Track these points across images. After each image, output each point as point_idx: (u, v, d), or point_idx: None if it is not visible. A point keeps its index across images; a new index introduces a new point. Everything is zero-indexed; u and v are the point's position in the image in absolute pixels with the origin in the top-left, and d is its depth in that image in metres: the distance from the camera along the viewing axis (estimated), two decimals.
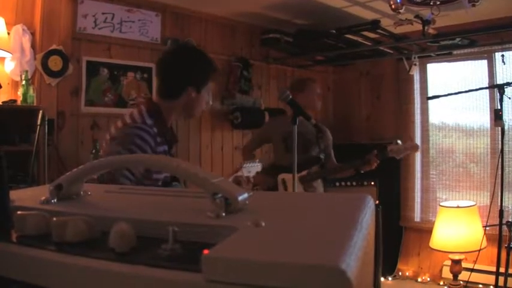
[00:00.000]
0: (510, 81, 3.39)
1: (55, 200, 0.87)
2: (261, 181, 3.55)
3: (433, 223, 4.54)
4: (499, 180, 3.33)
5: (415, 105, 5.34)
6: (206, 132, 4.60)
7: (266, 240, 0.59)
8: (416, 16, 3.84)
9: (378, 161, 3.35)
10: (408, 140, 3.51)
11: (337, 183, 4.58)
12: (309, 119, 2.80)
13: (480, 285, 4.40)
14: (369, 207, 0.80)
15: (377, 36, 4.61)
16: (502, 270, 3.38)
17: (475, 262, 3.91)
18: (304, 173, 3.60)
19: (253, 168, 3.49)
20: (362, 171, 3.44)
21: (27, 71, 3.25)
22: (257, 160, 3.74)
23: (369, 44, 4.71)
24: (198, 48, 2.25)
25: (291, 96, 2.79)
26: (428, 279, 4.94)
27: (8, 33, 3.24)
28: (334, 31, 4.56)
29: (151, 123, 2.01)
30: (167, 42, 4.16)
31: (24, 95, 3.21)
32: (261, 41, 4.97)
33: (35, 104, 3.25)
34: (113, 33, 3.86)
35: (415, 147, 3.43)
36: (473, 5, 3.38)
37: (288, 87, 3.82)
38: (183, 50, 2.22)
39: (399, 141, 3.36)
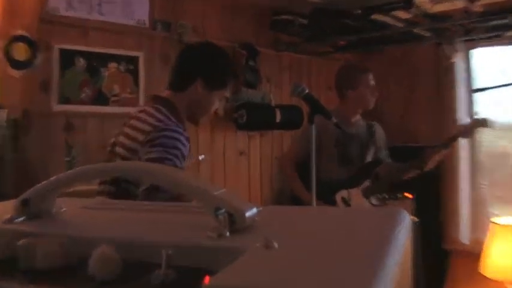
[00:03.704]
0: None
1: (22, 218, 0.88)
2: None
3: (485, 244, 4.51)
4: None
5: (458, 100, 5.32)
6: (205, 134, 4.60)
7: (279, 266, 0.59)
8: None
9: (443, 151, 3.53)
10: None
11: None
12: (329, 118, 2.81)
13: None
14: (404, 225, 0.79)
15: (411, 16, 4.60)
16: None
17: None
18: (366, 183, 3.61)
19: None
20: (427, 169, 3.56)
21: None
22: None
23: (401, 26, 4.70)
24: (222, 48, 2.46)
25: (307, 91, 2.80)
26: None
27: None
28: (358, 11, 4.56)
29: (182, 126, 2.21)
30: (157, 26, 4.17)
31: None
32: (270, 24, 4.97)
33: None
34: (91, 14, 3.87)
35: (484, 122, 3.53)
36: None
37: (336, 81, 3.84)
38: (204, 44, 2.49)
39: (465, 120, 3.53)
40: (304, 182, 3.43)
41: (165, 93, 2.33)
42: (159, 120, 2.16)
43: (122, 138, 2.22)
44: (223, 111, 4.65)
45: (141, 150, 2.08)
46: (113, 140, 2.32)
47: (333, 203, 3.51)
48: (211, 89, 2.32)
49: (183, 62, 2.36)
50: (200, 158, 3.43)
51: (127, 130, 2.22)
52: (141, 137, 2.12)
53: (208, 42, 2.56)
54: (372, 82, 3.76)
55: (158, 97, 2.34)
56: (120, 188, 2.08)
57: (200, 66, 2.32)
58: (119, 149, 2.21)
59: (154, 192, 1.87)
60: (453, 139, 3.58)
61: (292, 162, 3.69)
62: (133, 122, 2.22)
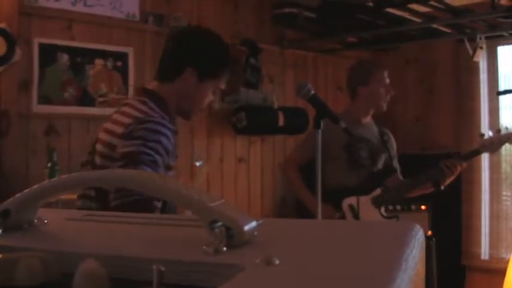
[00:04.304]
0: None
1: (0, 231, 0.88)
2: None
3: (507, 261, 4.50)
4: None
5: (481, 102, 5.32)
6: (200, 138, 4.60)
7: (280, 284, 0.60)
8: None
9: (463, 163, 3.43)
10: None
11: None
12: (336, 122, 2.81)
13: None
14: (417, 239, 0.80)
15: (429, 10, 4.60)
16: None
17: None
18: (377, 191, 3.61)
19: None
20: (443, 186, 3.46)
21: None
22: None
23: (419, 20, 4.70)
24: (216, 33, 2.36)
25: (313, 91, 2.81)
26: None
27: None
28: (371, 4, 4.56)
29: (168, 118, 2.16)
30: (148, 19, 4.17)
31: None
32: (273, 18, 4.98)
33: None
34: (75, 6, 3.87)
35: (511, 137, 3.46)
36: None
37: (348, 78, 3.84)
38: (197, 28, 2.43)
39: (489, 133, 3.48)
40: (310, 188, 3.42)
41: (152, 84, 2.29)
42: (142, 112, 2.12)
43: (101, 135, 2.19)
44: (219, 106, 4.65)
45: (119, 144, 2.05)
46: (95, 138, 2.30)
47: (339, 209, 3.51)
48: (204, 80, 2.25)
49: (172, 48, 2.29)
50: (197, 164, 3.41)
51: (107, 125, 2.19)
52: (119, 130, 2.08)
53: (201, 27, 2.47)
54: (387, 80, 3.74)
55: (144, 89, 2.30)
56: (100, 192, 2.05)
57: (191, 54, 2.24)
58: (98, 146, 2.18)
59: (125, 192, 1.86)
60: (475, 153, 3.55)
61: (295, 165, 3.69)
62: (115, 116, 2.19)
